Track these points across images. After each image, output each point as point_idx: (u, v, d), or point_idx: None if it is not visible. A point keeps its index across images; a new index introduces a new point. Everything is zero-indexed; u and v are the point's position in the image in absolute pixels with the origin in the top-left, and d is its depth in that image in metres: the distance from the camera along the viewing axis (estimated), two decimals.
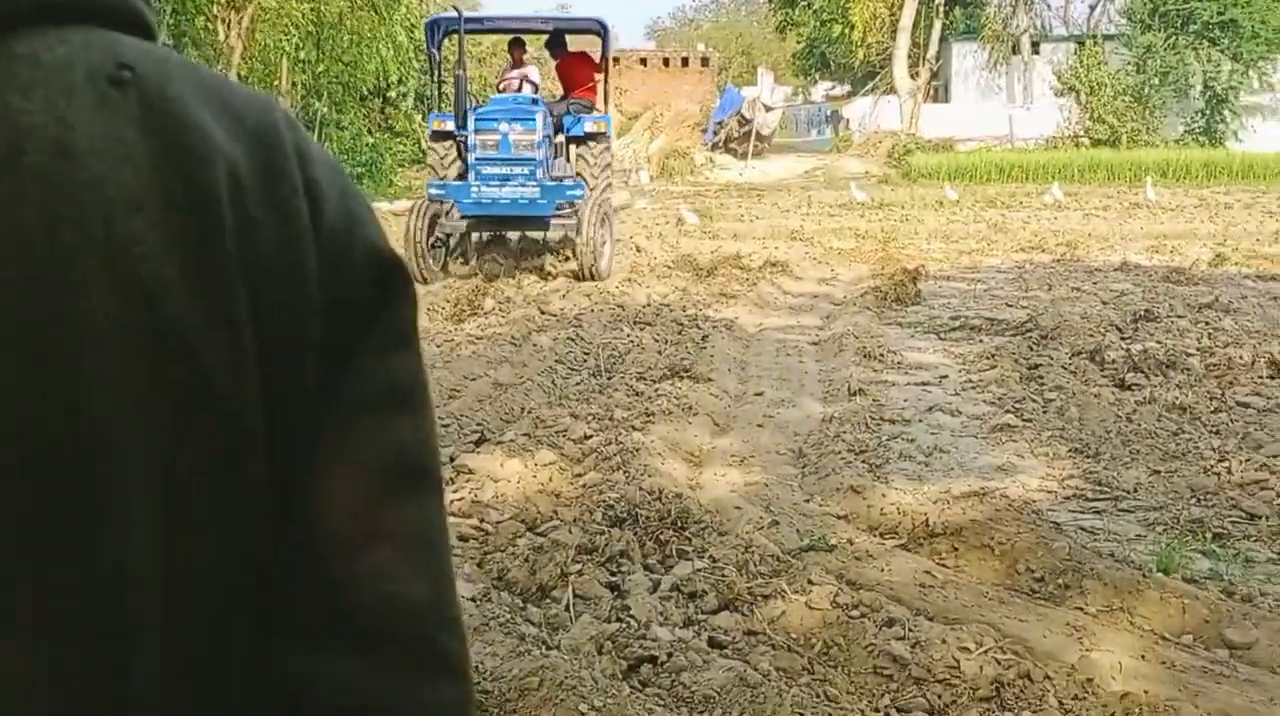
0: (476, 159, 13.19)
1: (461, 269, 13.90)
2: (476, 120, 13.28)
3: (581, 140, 14.39)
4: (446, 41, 15.37)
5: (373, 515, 0.78)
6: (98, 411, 0.66)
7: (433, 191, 13.58)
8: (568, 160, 14.51)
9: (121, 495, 0.68)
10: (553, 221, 13.47)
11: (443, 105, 14.75)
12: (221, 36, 20.52)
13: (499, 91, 15.01)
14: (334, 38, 22.60)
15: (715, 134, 38.98)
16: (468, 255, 14.18)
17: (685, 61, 44.45)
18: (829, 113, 46.93)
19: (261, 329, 0.72)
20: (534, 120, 13.21)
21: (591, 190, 13.63)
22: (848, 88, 48.51)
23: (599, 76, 15.26)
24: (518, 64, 15.26)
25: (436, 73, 15.39)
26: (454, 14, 14.13)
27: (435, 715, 0.79)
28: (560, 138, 14.50)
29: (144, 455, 0.68)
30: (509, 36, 15.95)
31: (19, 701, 0.66)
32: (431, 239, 13.23)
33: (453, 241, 13.97)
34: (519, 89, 14.57)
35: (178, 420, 0.70)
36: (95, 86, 0.68)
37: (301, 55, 22.14)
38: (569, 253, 13.49)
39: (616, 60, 42.88)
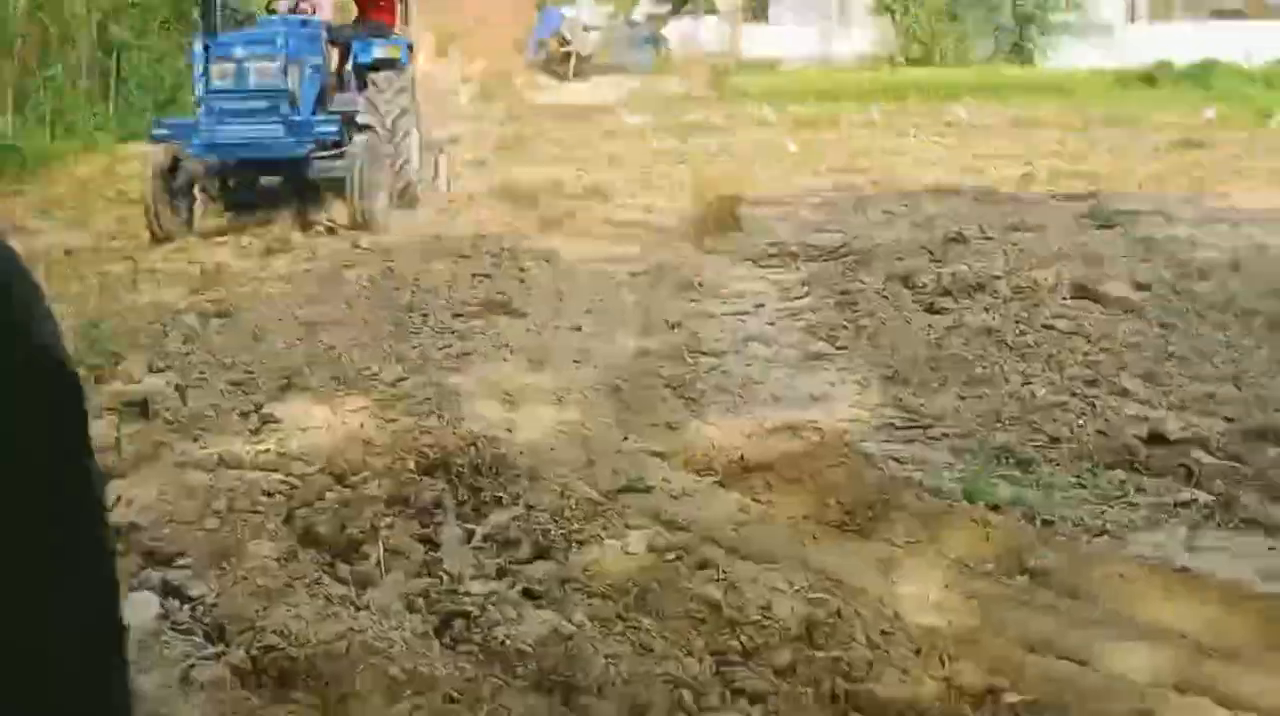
0: (206, 92, 11.60)
1: (218, 220, 12.20)
2: (212, 47, 11.67)
3: (373, 68, 12.80)
4: None
5: None
6: None
7: (156, 132, 11.89)
8: (360, 91, 12.82)
9: None
10: (318, 163, 11.56)
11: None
12: None
13: (269, 13, 13.08)
14: None
15: (535, 54, 38.45)
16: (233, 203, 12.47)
17: None
18: (649, 33, 46.70)
19: None
20: (275, 46, 11.53)
21: (381, 125, 12.24)
22: (668, 6, 48.27)
23: None
24: None
25: None
26: None
27: None
28: (348, 66, 12.94)
29: None
30: None
31: None
32: (176, 185, 11.49)
33: (210, 188, 12.10)
34: (294, 9, 12.69)
35: None
36: None
37: None
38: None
39: None
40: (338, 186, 11.46)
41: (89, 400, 0.73)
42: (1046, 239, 10.91)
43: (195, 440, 5.78)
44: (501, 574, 4.47)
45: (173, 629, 3.97)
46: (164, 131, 11.75)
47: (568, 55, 36.86)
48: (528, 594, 4.30)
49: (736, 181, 15.03)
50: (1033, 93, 30.86)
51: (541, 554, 4.63)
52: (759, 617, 4.08)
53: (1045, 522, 4.93)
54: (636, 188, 15.35)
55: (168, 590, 4.21)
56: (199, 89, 11.68)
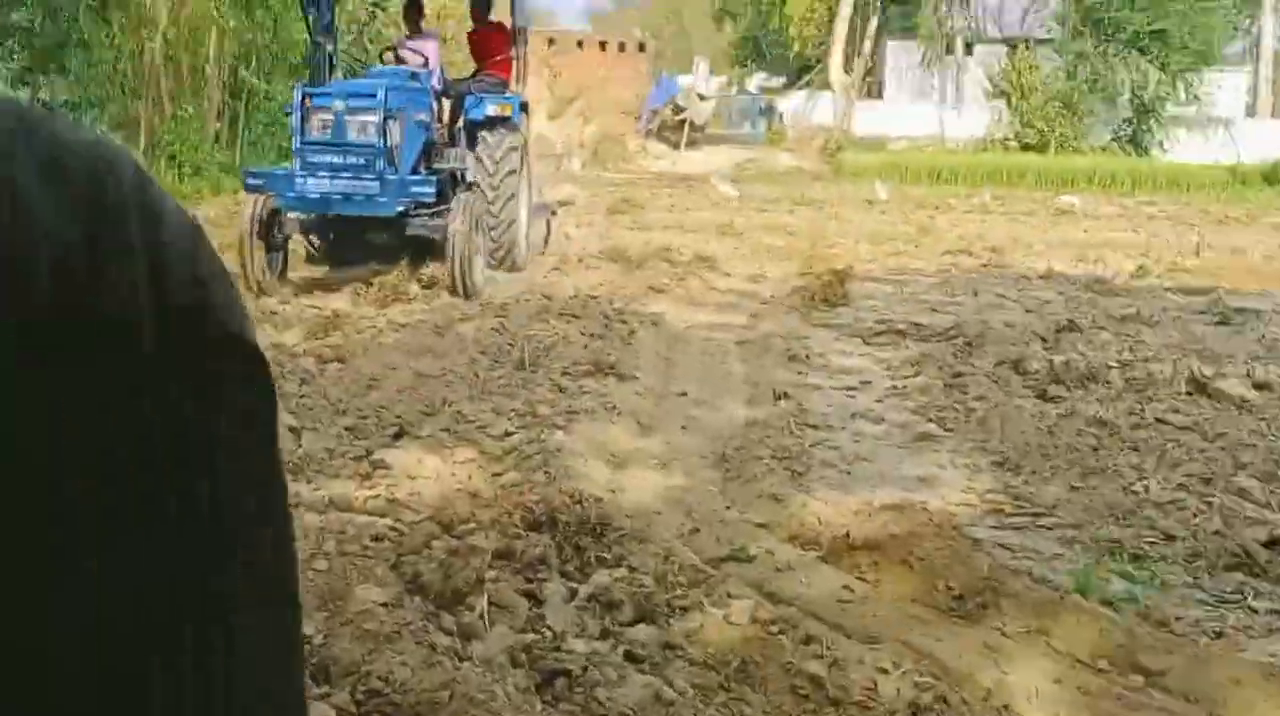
0: (302, 144, 11.12)
1: (317, 271, 12.13)
2: (311, 97, 11.23)
3: (485, 125, 12.46)
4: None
5: None
6: None
7: (250, 181, 11.50)
8: (470, 148, 12.50)
9: None
10: (416, 221, 11.21)
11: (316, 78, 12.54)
12: (147, 3, 20.10)
13: (382, 63, 13.15)
14: (264, 4, 22.25)
15: (649, 121, 38.87)
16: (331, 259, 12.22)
17: (622, 46, 44.21)
18: (763, 105, 47.02)
19: None
20: (376, 100, 10.97)
21: (488, 184, 12.01)
22: (783, 80, 48.63)
23: (514, 50, 13.25)
24: (413, 33, 13.20)
25: (315, 39, 12.58)
26: None
27: None
28: (460, 123, 12.72)
29: None
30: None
31: None
32: (273, 237, 11.39)
33: (300, 243, 12.15)
34: (401, 62, 12.55)
35: None
36: None
37: (231, 24, 21.75)
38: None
39: (548, 41, 42.56)
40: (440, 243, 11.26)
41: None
42: (1162, 332, 10.74)
43: (308, 482, 5.87)
44: (604, 635, 4.47)
45: None
46: (257, 181, 11.38)
47: (681, 123, 37.20)
48: (629, 657, 4.28)
49: (846, 256, 15.05)
50: (1149, 184, 30.53)
51: (644, 617, 4.61)
52: (863, 698, 4.03)
53: (1159, 622, 4.81)
54: (745, 257, 15.40)
55: None
56: (296, 140, 11.24)
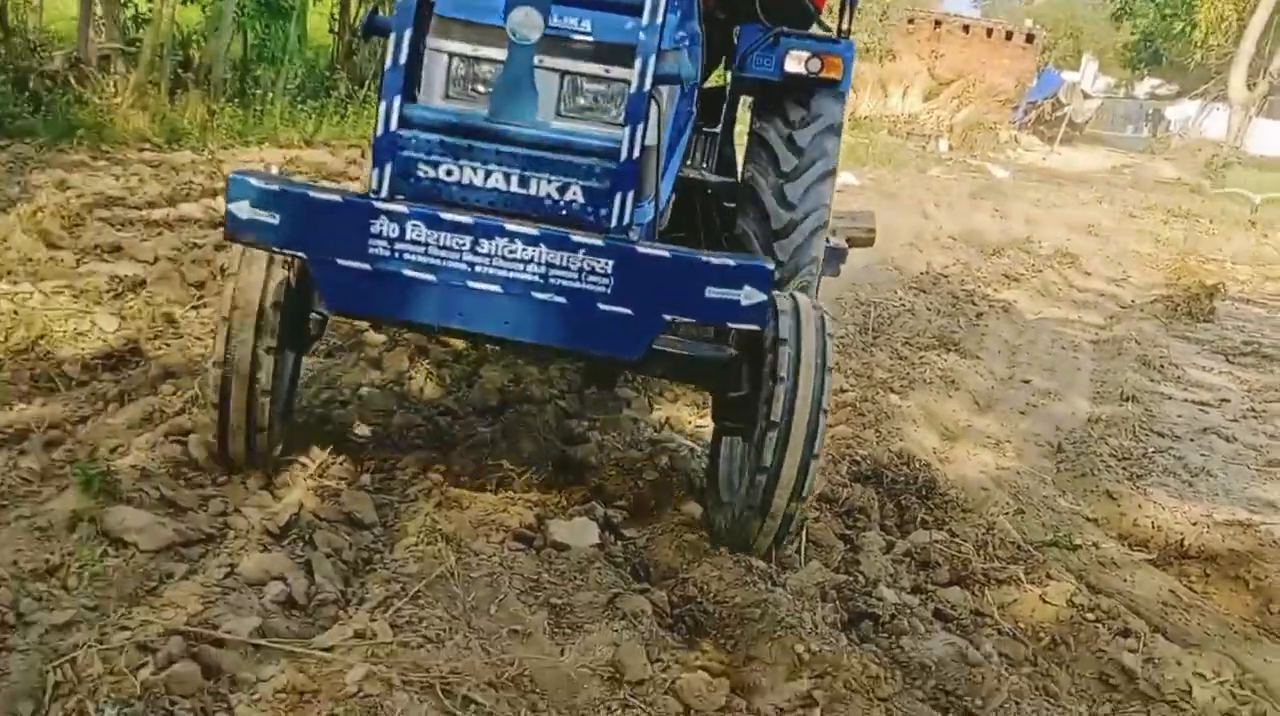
0: (403, 128, 3.84)
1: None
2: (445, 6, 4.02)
3: (776, 92, 5.97)
4: None
5: None
6: None
7: (240, 215, 3.73)
8: (728, 144, 6.56)
9: None
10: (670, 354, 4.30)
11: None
12: None
13: None
14: None
15: (1026, 114, 37.76)
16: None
17: (1009, 35, 43.06)
18: (1150, 111, 44.83)
19: None
20: (631, 27, 3.86)
21: (773, 204, 5.77)
22: (1176, 88, 46.15)
23: None
24: None
25: None
26: None
27: None
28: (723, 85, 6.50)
29: None
30: None
31: None
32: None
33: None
34: None
35: None
36: None
37: None
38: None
39: (935, 23, 41.76)
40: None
41: None
42: None
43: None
44: (916, 590, 4.49)
45: (607, 558, 4.24)
46: (270, 222, 3.76)
47: (1059, 119, 35.95)
48: (939, 615, 4.30)
49: (1217, 273, 14.26)
50: None
51: (959, 581, 4.61)
52: (1176, 698, 3.92)
53: None
54: (1109, 259, 14.82)
55: (607, 524, 4.49)
56: (382, 118, 3.85)
